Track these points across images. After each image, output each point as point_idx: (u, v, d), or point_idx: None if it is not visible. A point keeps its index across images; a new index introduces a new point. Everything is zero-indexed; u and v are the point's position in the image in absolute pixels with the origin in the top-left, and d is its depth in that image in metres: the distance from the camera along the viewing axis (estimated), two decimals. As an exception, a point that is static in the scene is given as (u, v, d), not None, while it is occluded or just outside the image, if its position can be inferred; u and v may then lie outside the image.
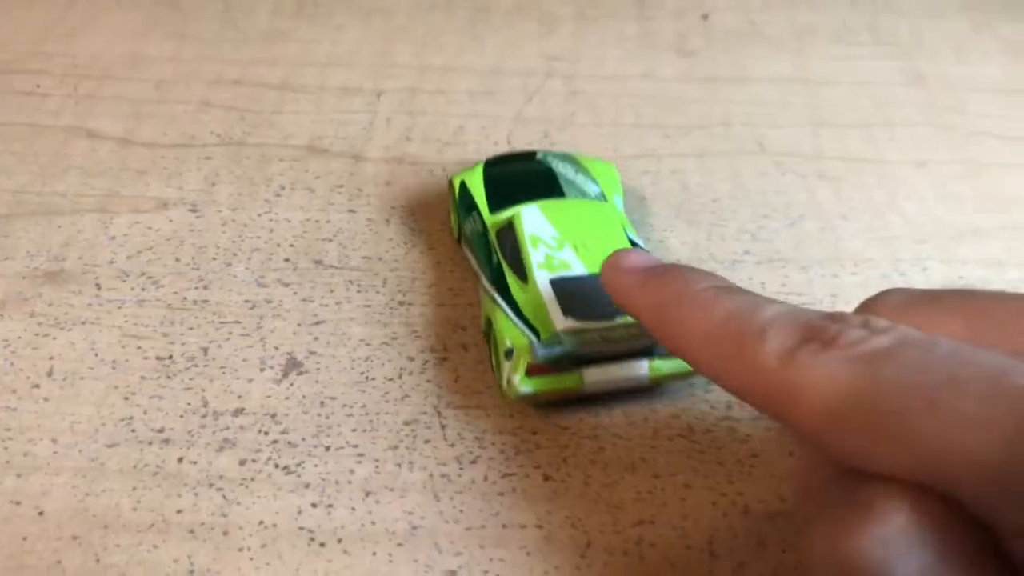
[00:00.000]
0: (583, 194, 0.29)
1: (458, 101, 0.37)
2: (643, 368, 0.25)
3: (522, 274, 0.26)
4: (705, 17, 0.42)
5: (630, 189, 0.33)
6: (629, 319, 0.25)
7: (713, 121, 0.36)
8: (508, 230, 0.27)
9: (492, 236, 0.27)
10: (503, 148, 0.35)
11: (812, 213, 0.32)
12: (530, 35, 0.41)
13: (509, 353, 0.25)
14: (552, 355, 0.24)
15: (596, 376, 0.25)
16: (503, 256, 0.27)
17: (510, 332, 0.25)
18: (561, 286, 0.25)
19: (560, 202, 0.28)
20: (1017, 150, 0.35)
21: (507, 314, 0.26)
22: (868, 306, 0.21)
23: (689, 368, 0.25)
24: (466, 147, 0.35)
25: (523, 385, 0.24)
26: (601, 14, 0.42)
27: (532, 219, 0.27)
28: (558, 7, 0.43)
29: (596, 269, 0.26)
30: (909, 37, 0.41)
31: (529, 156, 0.30)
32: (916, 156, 0.35)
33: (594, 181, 0.29)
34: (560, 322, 0.25)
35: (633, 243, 0.27)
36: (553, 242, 0.26)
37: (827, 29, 0.42)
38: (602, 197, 0.29)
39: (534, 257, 0.26)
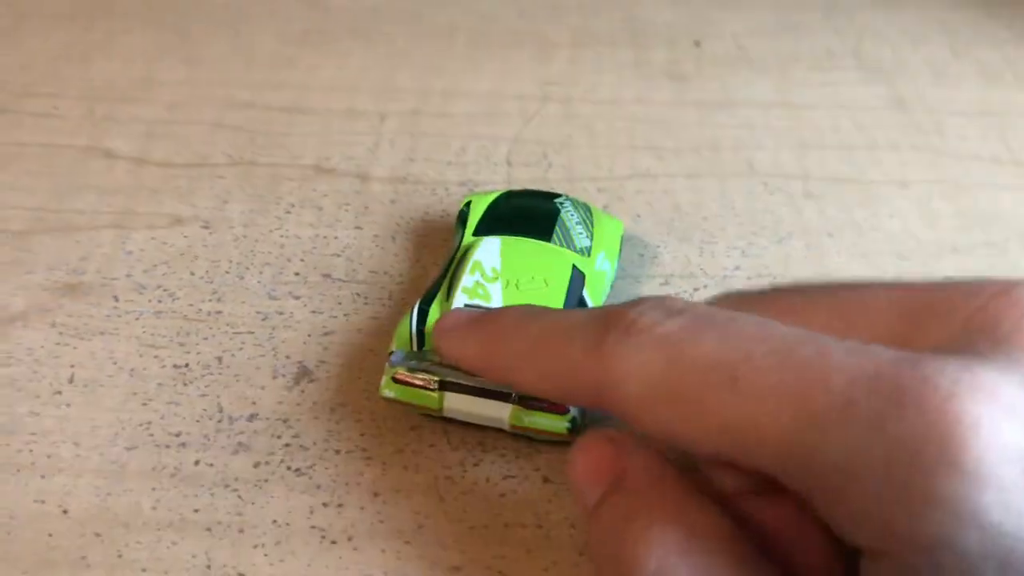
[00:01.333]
0: (568, 243, 0.29)
1: (459, 123, 0.38)
2: (504, 411, 0.25)
3: (449, 293, 0.27)
4: (697, 44, 0.44)
5: (624, 208, 0.34)
6: None
7: (704, 143, 0.38)
8: (464, 252, 0.28)
9: (457, 254, 0.29)
10: (503, 168, 0.36)
11: (799, 231, 0.34)
12: (527, 61, 0.42)
13: (390, 354, 0.26)
14: (407, 366, 0.26)
15: (456, 403, 0.25)
16: (451, 273, 0.28)
17: (402, 340, 0.27)
18: None
19: (525, 242, 0.29)
20: (995, 170, 0.37)
21: (411, 323, 0.27)
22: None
23: (554, 428, 0.25)
24: (467, 167, 0.36)
25: (386, 389, 0.26)
26: (596, 42, 0.44)
27: (487, 249, 0.28)
28: (554, 35, 0.44)
29: None
30: (891, 63, 0.43)
31: (549, 196, 0.31)
32: (898, 176, 0.36)
33: (589, 235, 0.30)
34: None
35: (582, 301, 0.28)
36: (491, 273, 0.27)
37: (812, 55, 0.43)
38: (585, 252, 0.29)
39: (465, 280, 0.27)
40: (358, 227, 0.33)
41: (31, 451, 0.26)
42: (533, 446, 0.26)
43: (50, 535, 0.24)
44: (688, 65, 0.42)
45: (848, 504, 0.17)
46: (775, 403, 0.17)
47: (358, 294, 0.31)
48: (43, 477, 0.25)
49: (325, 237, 0.33)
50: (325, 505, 0.25)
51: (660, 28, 0.45)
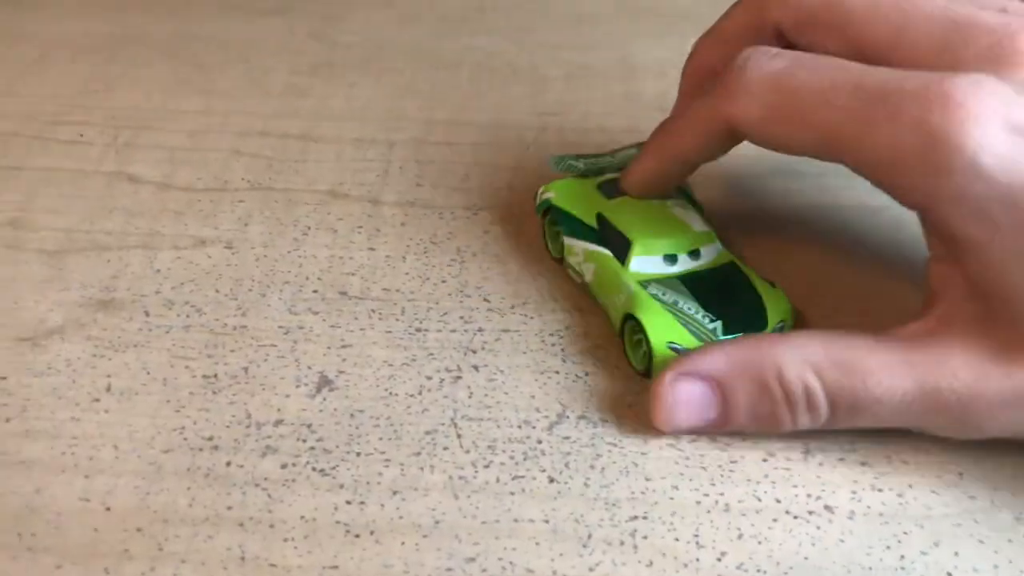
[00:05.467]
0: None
1: (463, 151, 0.41)
2: None
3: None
4: (684, 77, 0.47)
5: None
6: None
7: (692, 170, 0.40)
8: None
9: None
10: (505, 193, 0.39)
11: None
12: (525, 93, 0.45)
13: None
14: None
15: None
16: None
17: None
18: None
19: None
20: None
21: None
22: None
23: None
24: (471, 192, 0.38)
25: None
26: (589, 74, 0.47)
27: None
28: (550, 69, 0.47)
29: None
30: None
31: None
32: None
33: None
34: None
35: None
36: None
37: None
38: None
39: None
40: (371, 248, 0.36)
41: (74, 454, 0.28)
42: (539, 449, 0.28)
43: (95, 530, 0.26)
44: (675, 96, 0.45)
45: (900, 177, 0.25)
46: (850, 116, 0.25)
47: (373, 310, 0.33)
48: (87, 477, 0.27)
49: (340, 257, 0.35)
50: (348, 503, 0.27)
51: (650, 63, 0.48)
